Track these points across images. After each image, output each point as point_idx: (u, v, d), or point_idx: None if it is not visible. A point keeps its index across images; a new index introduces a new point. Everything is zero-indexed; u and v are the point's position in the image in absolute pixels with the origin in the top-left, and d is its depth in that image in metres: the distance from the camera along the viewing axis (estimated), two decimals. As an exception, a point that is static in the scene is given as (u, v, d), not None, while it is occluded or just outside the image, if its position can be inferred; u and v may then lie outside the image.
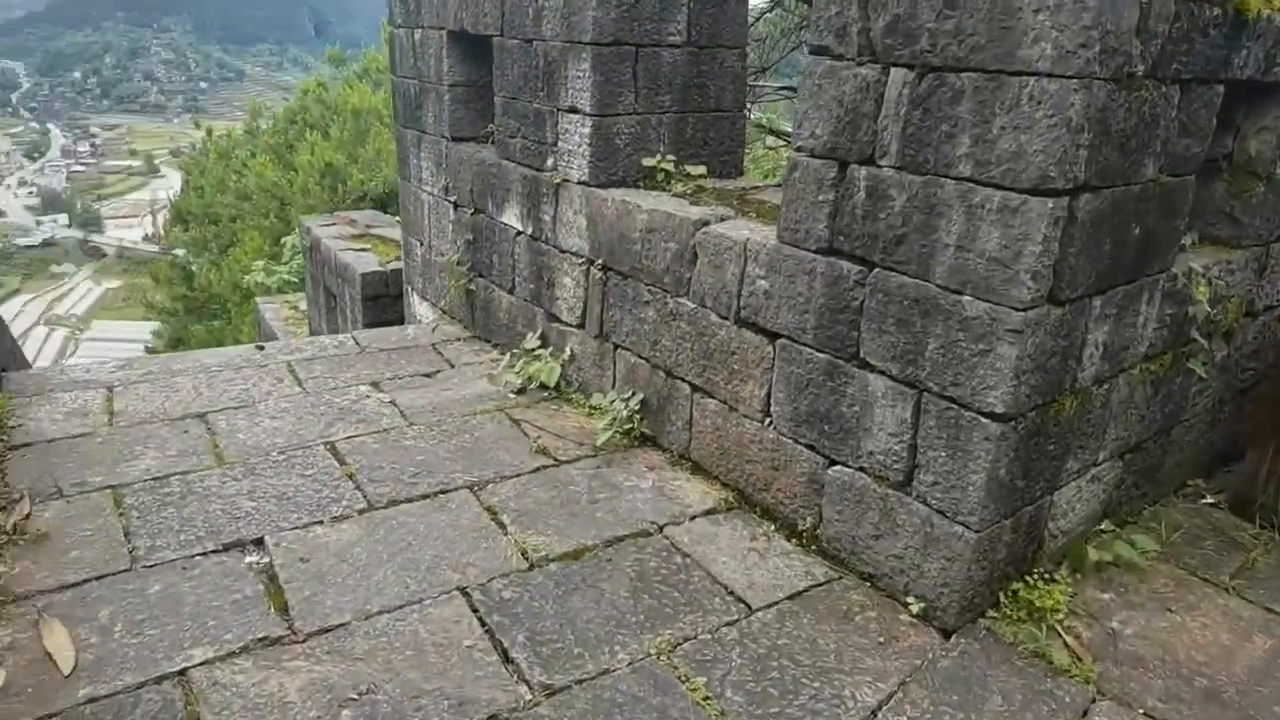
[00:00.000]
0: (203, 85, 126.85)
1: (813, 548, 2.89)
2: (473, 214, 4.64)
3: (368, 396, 3.99)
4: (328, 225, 8.15)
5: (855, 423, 2.69)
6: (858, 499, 2.72)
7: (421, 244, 5.34)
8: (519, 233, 4.26)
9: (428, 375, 4.30)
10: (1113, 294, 2.47)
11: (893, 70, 2.40)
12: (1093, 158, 2.14)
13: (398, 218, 6.67)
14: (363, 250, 7.08)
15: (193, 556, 2.70)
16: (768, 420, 2.99)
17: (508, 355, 4.36)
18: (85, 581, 2.55)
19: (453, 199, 4.81)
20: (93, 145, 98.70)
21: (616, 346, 3.70)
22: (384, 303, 6.41)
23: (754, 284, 2.94)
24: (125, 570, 2.61)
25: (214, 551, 2.74)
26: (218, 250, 18.40)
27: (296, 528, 2.89)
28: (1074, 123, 2.03)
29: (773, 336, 2.92)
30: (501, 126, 4.25)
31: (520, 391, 4.04)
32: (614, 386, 3.74)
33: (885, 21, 2.37)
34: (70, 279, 66.80)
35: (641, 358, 3.55)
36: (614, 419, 3.51)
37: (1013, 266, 2.19)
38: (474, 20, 4.25)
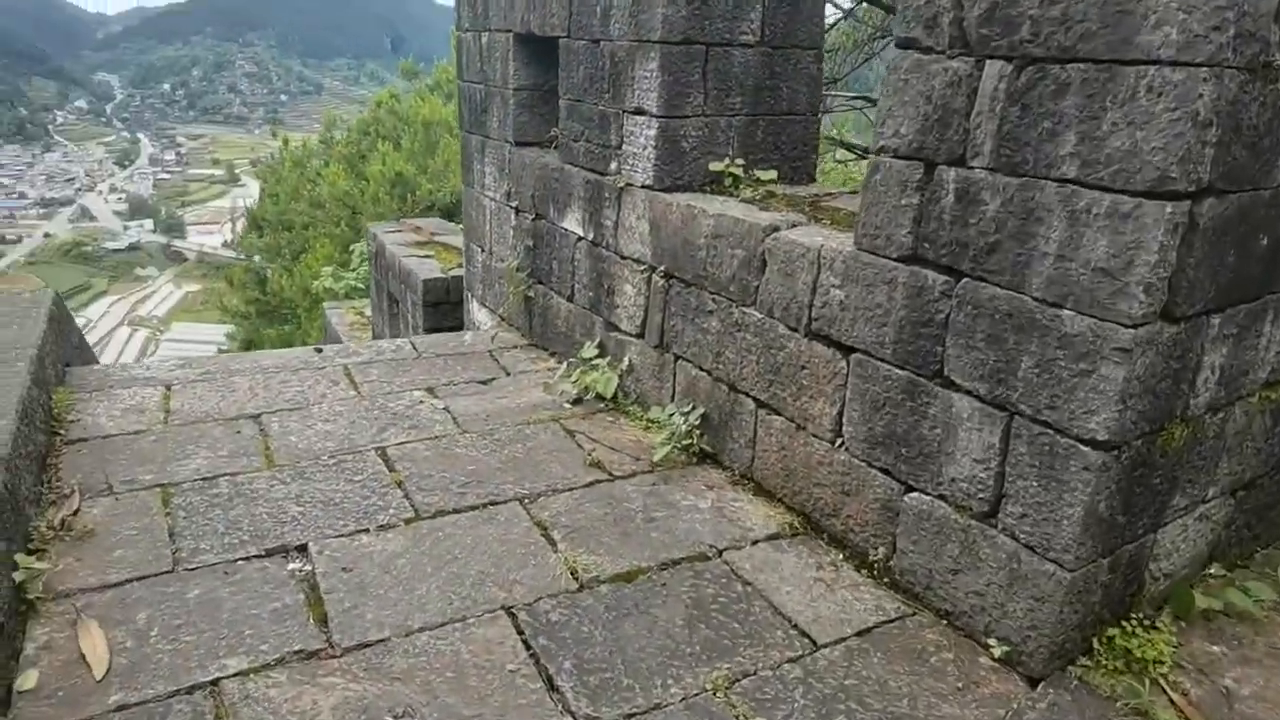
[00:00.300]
0: (283, 98, 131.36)
1: (884, 580, 2.68)
2: (534, 220, 4.54)
3: (421, 402, 3.90)
4: (394, 232, 8.19)
5: (936, 446, 2.48)
6: (936, 529, 2.51)
7: (483, 250, 5.27)
8: (580, 238, 4.14)
9: (483, 382, 4.19)
10: (1234, 312, 2.22)
11: (988, 63, 2.20)
12: (1220, 157, 1.91)
13: (462, 225, 6.64)
14: (426, 257, 7.06)
15: (235, 561, 2.62)
16: (839, 441, 2.79)
17: (565, 364, 4.23)
18: (126, 582, 2.49)
19: (514, 204, 4.72)
20: (178, 154, 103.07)
21: (677, 358, 3.54)
22: (445, 309, 6.37)
23: (828, 294, 2.75)
24: (167, 572, 2.54)
25: (257, 556, 2.66)
26: (290, 256, 18.82)
27: (341, 535, 2.79)
28: (1201, 117, 1.81)
29: (847, 351, 2.73)
30: (565, 130, 4.14)
31: (576, 402, 3.90)
32: (673, 399, 3.58)
33: (981, 9, 2.18)
34: (153, 282, 69.62)
35: (703, 370, 3.38)
36: (672, 434, 3.34)
37: (1122, 278, 1.97)
38: (541, 22, 4.16)
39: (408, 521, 2.89)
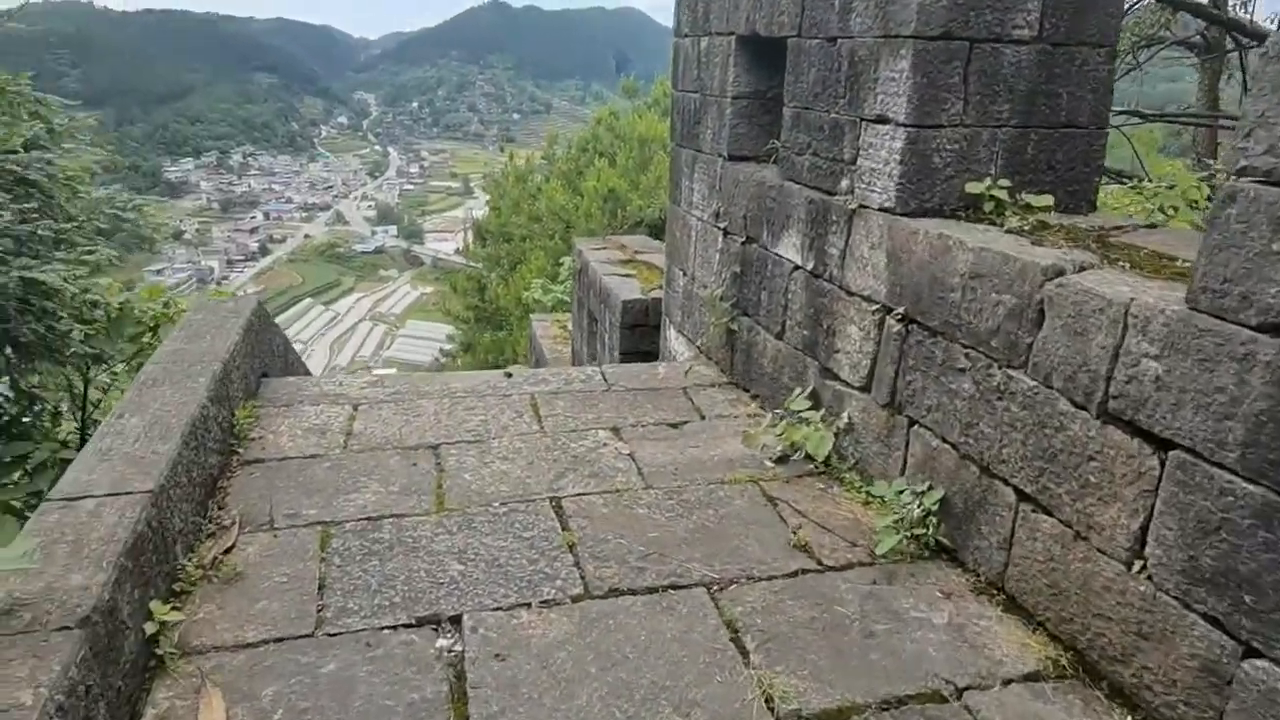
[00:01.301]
0: (515, 116, 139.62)
1: (1202, 769, 1.92)
2: (743, 243, 4.03)
3: (605, 445, 3.50)
4: (598, 249, 8.00)
5: (1307, 600, 1.71)
6: (1297, 717, 1.73)
7: (684, 273, 4.83)
8: (796, 267, 3.58)
9: (673, 426, 3.73)
10: None
11: None
12: None
13: (665, 244, 6.29)
14: (628, 276, 6.76)
15: (380, 629, 2.30)
16: (1138, 564, 2.06)
17: (769, 413, 3.68)
18: (263, 643, 2.22)
19: (723, 225, 4.24)
20: (421, 167, 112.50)
21: (912, 421, 2.89)
22: (641, 332, 6.01)
23: (1137, 365, 2.03)
24: (306, 636, 2.25)
25: (405, 626, 2.32)
26: (508, 266, 19.56)
27: (500, 608, 2.40)
28: None
29: (1162, 445, 1.99)
30: (788, 142, 3.60)
31: (780, 460, 3.34)
32: (903, 473, 2.93)
33: None
34: (393, 282, 76.29)
35: (946, 442, 2.71)
36: (901, 519, 2.70)
37: None
38: (768, 21, 3.65)
39: (575, 599, 2.46)
